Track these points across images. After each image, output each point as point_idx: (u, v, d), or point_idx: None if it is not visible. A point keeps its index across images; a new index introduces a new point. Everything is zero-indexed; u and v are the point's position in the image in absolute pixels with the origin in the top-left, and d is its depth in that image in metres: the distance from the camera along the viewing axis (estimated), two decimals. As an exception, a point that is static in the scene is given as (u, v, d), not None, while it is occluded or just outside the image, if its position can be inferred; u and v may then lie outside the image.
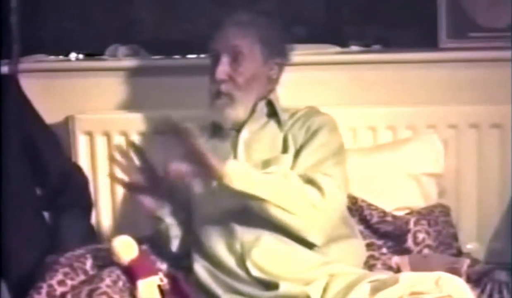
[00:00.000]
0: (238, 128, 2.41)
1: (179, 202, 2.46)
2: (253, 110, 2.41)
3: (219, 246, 2.32)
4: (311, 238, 2.26)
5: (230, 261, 2.29)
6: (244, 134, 2.40)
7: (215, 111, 2.39)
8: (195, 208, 2.42)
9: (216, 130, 2.44)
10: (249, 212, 2.29)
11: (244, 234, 2.29)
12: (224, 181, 2.20)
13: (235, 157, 2.37)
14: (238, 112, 2.37)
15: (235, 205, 2.31)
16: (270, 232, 2.28)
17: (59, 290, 2.29)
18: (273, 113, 2.44)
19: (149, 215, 2.43)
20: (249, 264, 2.25)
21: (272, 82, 2.43)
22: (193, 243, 2.39)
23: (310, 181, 2.25)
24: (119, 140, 2.90)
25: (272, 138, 2.40)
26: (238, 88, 2.36)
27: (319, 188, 2.24)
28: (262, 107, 2.43)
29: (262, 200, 2.21)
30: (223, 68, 2.35)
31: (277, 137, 2.40)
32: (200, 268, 2.34)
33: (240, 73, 2.35)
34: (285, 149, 2.37)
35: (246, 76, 2.36)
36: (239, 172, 2.20)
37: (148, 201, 2.41)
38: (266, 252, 2.26)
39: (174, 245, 2.45)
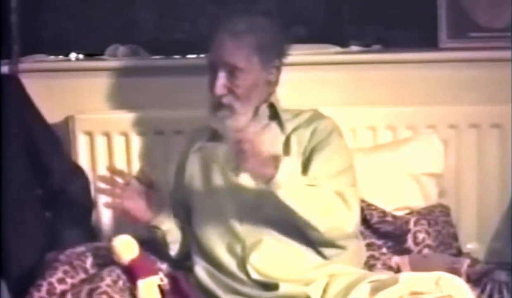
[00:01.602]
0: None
1: (178, 205, 2.46)
2: (254, 114, 2.40)
3: (219, 248, 2.32)
4: (327, 252, 2.29)
5: (231, 263, 2.29)
6: (245, 137, 2.39)
7: (216, 121, 2.37)
8: (195, 210, 2.42)
9: (217, 133, 2.44)
10: (250, 214, 2.30)
11: (246, 236, 2.29)
12: (271, 186, 2.18)
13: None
14: (239, 121, 2.36)
15: (235, 207, 2.32)
16: (271, 233, 2.28)
17: (59, 288, 2.29)
18: (274, 115, 2.43)
19: (145, 225, 2.43)
20: (249, 267, 2.26)
21: (272, 84, 2.41)
22: (193, 244, 2.39)
23: (340, 195, 2.26)
24: (119, 140, 2.90)
25: (273, 140, 2.39)
26: (238, 99, 2.34)
27: (345, 201, 2.25)
28: (263, 110, 2.42)
29: (296, 213, 2.22)
30: (221, 83, 2.32)
31: (278, 138, 2.39)
32: (200, 269, 2.34)
33: (238, 85, 2.33)
34: (287, 151, 2.37)
35: (245, 87, 2.33)
36: (288, 182, 2.18)
37: (141, 212, 2.39)
38: (266, 255, 2.26)
39: (173, 250, 2.45)
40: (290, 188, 2.18)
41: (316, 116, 2.42)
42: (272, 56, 2.38)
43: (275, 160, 2.18)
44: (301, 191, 2.21)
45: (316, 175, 2.29)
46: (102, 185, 2.38)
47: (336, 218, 2.24)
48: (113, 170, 2.42)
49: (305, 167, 2.32)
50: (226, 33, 2.35)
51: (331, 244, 2.28)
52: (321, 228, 2.23)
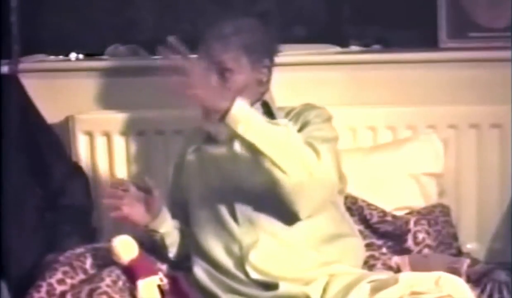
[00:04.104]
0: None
1: (176, 205, 2.46)
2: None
3: (217, 248, 2.31)
4: (296, 207, 2.23)
5: (228, 263, 2.29)
6: (240, 137, 2.39)
7: (209, 125, 2.36)
8: (193, 211, 2.42)
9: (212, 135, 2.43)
10: (248, 215, 2.30)
11: (243, 236, 2.29)
12: (228, 121, 2.15)
13: (231, 159, 2.36)
14: None
15: (232, 208, 2.32)
16: (269, 233, 2.28)
17: (59, 289, 2.30)
18: (268, 114, 2.42)
19: (142, 229, 2.43)
20: (248, 267, 2.25)
21: (263, 84, 2.41)
22: (192, 244, 2.39)
23: (308, 144, 2.23)
24: (119, 140, 2.90)
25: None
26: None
27: (316, 151, 2.21)
28: (257, 109, 2.42)
29: (260, 151, 2.17)
30: None
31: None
32: (199, 269, 2.34)
33: (229, 88, 2.32)
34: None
35: (236, 89, 2.32)
36: (245, 116, 2.15)
37: (140, 216, 2.39)
38: (264, 255, 2.26)
39: (172, 252, 2.45)
40: (250, 123, 2.15)
41: (306, 108, 2.40)
42: (262, 55, 2.38)
43: (231, 95, 2.16)
44: (263, 127, 2.18)
45: None
46: (106, 201, 2.38)
47: (303, 160, 2.18)
48: (114, 183, 2.43)
49: None
50: (212, 37, 2.35)
51: (307, 201, 2.23)
52: (287, 169, 2.16)
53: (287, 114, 2.41)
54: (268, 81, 2.42)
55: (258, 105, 2.41)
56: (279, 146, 2.18)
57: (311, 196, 2.23)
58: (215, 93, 2.18)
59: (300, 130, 2.33)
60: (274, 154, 2.17)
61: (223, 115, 2.15)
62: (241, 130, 2.16)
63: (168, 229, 2.43)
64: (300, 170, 2.18)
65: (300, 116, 2.37)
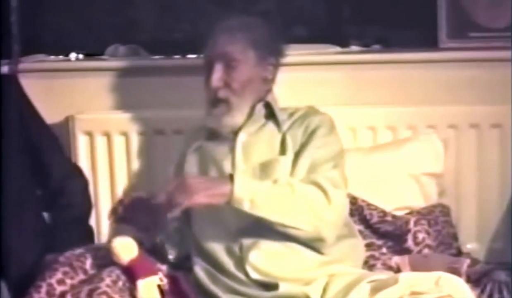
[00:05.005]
0: (236, 130, 2.41)
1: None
2: (251, 113, 2.41)
3: (217, 248, 2.32)
4: (318, 246, 2.28)
5: (228, 263, 2.29)
6: (242, 137, 2.39)
7: (213, 118, 2.38)
8: (193, 210, 2.41)
9: (214, 133, 2.44)
10: (248, 215, 2.29)
11: (243, 236, 2.29)
12: (233, 204, 2.20)
13: (233, 159, 2.37)
14: (235, 118, 2.37)
15: (233, 208, 2.32)
16: (269, 234, 2.27)
17: (59, 289, 2.30)
18: (271, 114, 2.43)
19: (143, 232, 2.43)
20: (248, 267, 2.26)
21: (268, 82, 2.43)
22: (193, 245, 2.39)
23: (315, 184, 2.25)
24: (119, 140, 2.90)
25: (270, 140, 2.39)
26: (234, 93, 2.35)
27: (324, 192, 2.24)
28: (260, 109, 2.43)
29: (270, 221, 2.23)
30: (218, 76, 2.34)
31: (275, 138, 2.39)
32: (200, 269, 2.34)
33: (235, 79, 2.35)
34: (283, 150, 2.37)
35: (241, 81, 2.35)
36: (248, 194, 2.20)
37: (142, 225, 2.40)
38: (265, 255, 2.26)
39: (172, 254, 2.45)
40: (254, 198, 2.20)
41: (310, 112, 2.42)
42: (267, 53, 2.40)
43: (225, 179, 2.20)
44: (268, 197, 2.22)
45: (299, 170, 2.31)
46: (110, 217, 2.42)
47: (313, 212, 2.23)
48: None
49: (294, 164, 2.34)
50: (221, 30, 2.38)
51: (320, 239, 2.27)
52: (299, 226, 2.23)
53: (290, 115, 2.42)
54: (273, 79, 2.44)
55: (260, 105, 2.42)
56: (287, 209, 2.23)
57: (329, 236, 2.27)
58: (214, 191, 2.20)
59: (304, 137, 2.35)
60: (283, 218, 2.22)
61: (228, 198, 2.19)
62: (247, 207, 2.20)
63: (168, 232, 2.43)
64: (312, 221, 2.23)
65: (305, 120, 2.38)
